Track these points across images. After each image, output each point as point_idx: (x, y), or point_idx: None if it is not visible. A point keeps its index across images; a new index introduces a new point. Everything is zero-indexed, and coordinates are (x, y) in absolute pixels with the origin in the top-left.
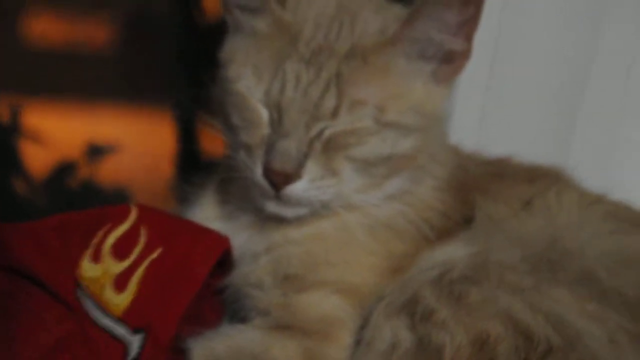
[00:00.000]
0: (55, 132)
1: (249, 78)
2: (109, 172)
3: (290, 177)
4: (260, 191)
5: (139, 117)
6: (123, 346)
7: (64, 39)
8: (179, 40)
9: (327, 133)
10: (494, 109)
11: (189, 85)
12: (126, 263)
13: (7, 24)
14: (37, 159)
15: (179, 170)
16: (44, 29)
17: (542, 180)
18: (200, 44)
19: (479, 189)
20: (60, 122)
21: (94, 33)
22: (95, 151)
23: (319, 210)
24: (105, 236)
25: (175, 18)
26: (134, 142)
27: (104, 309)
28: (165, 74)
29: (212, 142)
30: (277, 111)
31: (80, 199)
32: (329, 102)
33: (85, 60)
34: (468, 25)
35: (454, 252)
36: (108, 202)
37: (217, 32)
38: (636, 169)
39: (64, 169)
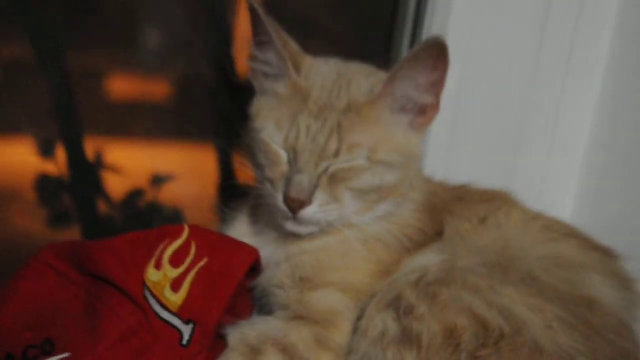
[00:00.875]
0: (129, 166)
1: (271, 129)
2: (167, 196)
3: (304, 204)
4: (281, 214)
5: (190, 154)
6: (179, 334)
7: (135, 94)
8: (220, 96)
9: (331, 169)
10: (456, 148)
11: (228, 131)
12: (181, 270)
13: (95, 83)
14: (115, 186)
15: (220, 196)
16: (122, 86)
17: (494, 202)
18: (235, 100)
19: (446, 209)
20: (132, 158)
21: (157, 89)
22: (158, 180)
23: (325, 228)
24: (164, 249)
25: (217, 79)
26: (187, 174)
27: (164, 306)
28: (210, 122)
29: (245, 175)
30: (293, 153)
31: (146, 217)
32: (332, 146)
33: (151, 110)
34: (437, 86)
35: (429, 259)
36: (167, 220)
37: (248, 91)
38: (563, 193)
39: (135, 194)
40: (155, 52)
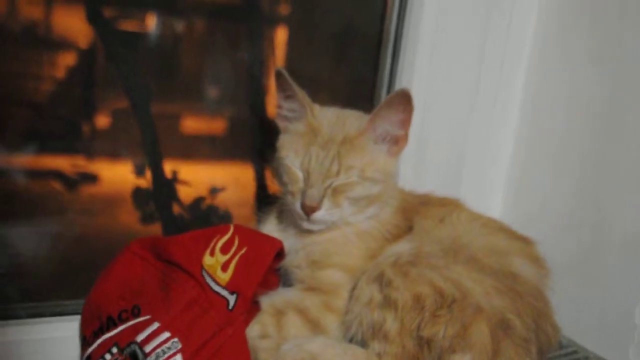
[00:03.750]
0: (194, 180)
1: (292, 157)
2: (221, 202)
3: (315, 209)
4: (299, 216)
5: (236, 172)
6: (226, 301)
7: (200, 130)
8: (256, 131)
9: (334, 184)
10: (420, 168)
11: (262, 157)
12: (228, 256)
13: (172, 123)
14: (185, 195)
15: (257, 203)
16: (190, 125)
17: (448, 206)
18: (266, 134)
19: (415, 211)
20: (197, 175)
21: (214, 126)
22: (214, 190)
23: (330, 226)
24: (216, 242)
25: (254, 120)
26: (234, 186)
27: (216, 282)
28: (249, 150)
29: (273, 188)
30: (307, 174)
31: (206, 216)
32: (334, 168)
33: (210, 141)
34: (405, 122)
35: (402, 247)
36: (220, 218)
37: (274, 127)
38: (493, 199)
39: (198, 200)
40: (213, 101)
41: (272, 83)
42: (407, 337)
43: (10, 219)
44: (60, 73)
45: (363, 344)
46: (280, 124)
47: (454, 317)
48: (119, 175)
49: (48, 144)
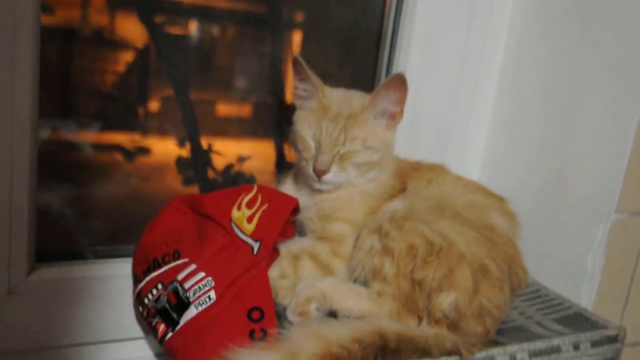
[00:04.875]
0: (225, 151)
1: (306, 129)
2: (246, 168)
3: (325, 172)
4: (311, 178)
5: (260, 146)
6: (251, 248)
7: (231, 112)
8: (276, 112)
9: (340, 152)
10: (413, 139)
11: (281, 129)
12: (252, 210)
13: (208, 107)
14: (218, 162)
15: (277, 168)
16: (223, 108)
17: (435, 171)
18: (284, 113)
19: (408, 175)
20: (228, 147)
21: (243, 109)
22: (241, 159)
23: (337, 187)
24: (242, 198)
25: (275, 102)
26: (257, 154)
27: (243, 231)
28: (271, 127)
29: (290, 157)
30: (318, 143)
31: (235, 180)
32: (341, 138)
33: (238, 121)
34: (401, 100)
35: (397, 205)
36: (246, 181)
37: (290, 108)
38: (473, 164)
39: (229, 167)
40: (242, 90)
41: (289, 76)
42: (402, 279)
43: (82, 183)
44: (121, 67)
45: (365, 284)
46: (296, 102)
47: (441, 262)
48: (166, 148)
49: (112, 124)
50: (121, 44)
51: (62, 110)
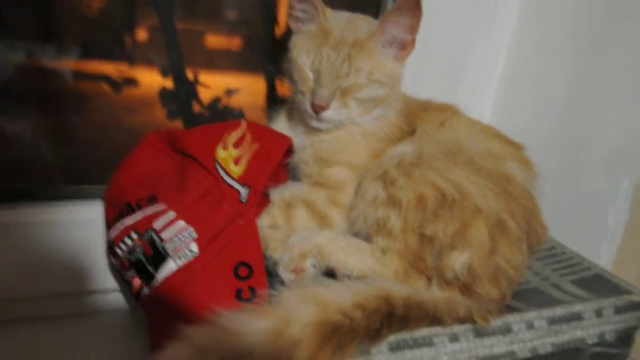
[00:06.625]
0: (213, 83)
1: (303, 56)
2: (235, 102)
3: (324, 108)
4: (308, 115)
5: (249, 77)
6: (238, 193)
7: (220, 44)
8: (268, 39)
9: (342, 85)
10: (420, 74)
11: (272, 60)
12: (240, 150)
13: (196, 37)
14: (205, 95)
15: (267, 102)
16: (211, 40)
17: (447, 112)
18: (275, 45)
19: (416, 116)
20: (215, 80)
21: (232, 42)
22: (229, 92)
23: (338, 125)
24: (229, 136)
25: (266, 33)
26: (247, 88)
27: (229, 174)
28: (261, 56)
29: (281, 90)
30: (317, 74)
31: (222, 114)
32: (344, 69)
33: (227, 53)
34: (414, 28)
35: (405, 149)
36: (234, 116)
37: (286, 34)
38: (484, 107)
39: (216, 100)
40: (231, 21)
41: (282, 8)
42: (410, 234)
43: (57, 114)
44: None
45: (367, 238)
46: (293, 25)
47: (454, 216)
48: (153, 80)
49: (97, 52)
50: None
51: (41, 34)
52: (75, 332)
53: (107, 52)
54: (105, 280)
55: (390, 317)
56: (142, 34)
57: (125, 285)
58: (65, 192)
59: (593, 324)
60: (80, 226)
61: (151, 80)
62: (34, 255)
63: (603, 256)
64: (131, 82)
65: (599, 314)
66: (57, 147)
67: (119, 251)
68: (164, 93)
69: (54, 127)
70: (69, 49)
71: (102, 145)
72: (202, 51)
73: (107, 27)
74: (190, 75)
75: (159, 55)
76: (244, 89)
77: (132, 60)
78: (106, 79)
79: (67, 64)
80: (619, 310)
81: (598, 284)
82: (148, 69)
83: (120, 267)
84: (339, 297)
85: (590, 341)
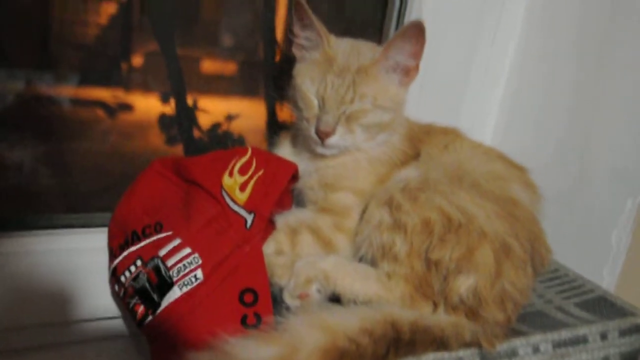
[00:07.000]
0: (213, 109)
1: (308, 84)
2: (235, 127)
3: (329, 134)
4: (313, 141)
5: (250, 102)
6: (244, 220)
7: (217, 70)
8: (270, 66)
9: (347, 111)
10: (424, 100)
11: (273, 85)
12: (246, 177)
13: (194, 64)
14: (204, 121)
15: (269, 129)
16: (209, 65)
17: (450, 135)
18: (275, 70)
19: (420, 140)
20: (215, 105)
21: (229, 67)
22: (230, 117)
23: (342, 151)
24: (235, 163)
25: (268, 55)
26: (248, 114)
27: (235, 201)
28: (260, 84)
29: (283, 113)
30: (322, 100)
31: (222, 140)
32: (349, 95)
33: (226, 79)
34: (418, 54)
35: (410, 173)
36: (235, 142)
37: (286, 59)
38: (485, 130)
39: (216, 126)
40: (228, 46)
41: (280, 28)
42: (415, 259)
43: (57, 140)
44: (103, 20)
45: (373, 263)
46: (297, 53)
47: (460, 240)
48: (149, 105)
49: (94, 78)
50: None
51: (39, 62)
52: None
53: (104, 78)
54: (106, 308)
55: (397, 342)
56: (138, 60)
57: (127, 312)
58: (62, 220)
59: (598, 347)
60: (78, 254)
61: (147, 105)
62: (33, 284)
63: (606, 277)
64: (127, 107)
65: (603, 336)
66: (53, 175)
67: (123, 278)
68: (163, 119)
69: (51, 154)
70: (67, 76)
71: (99, 171)
72: (201, 77)
73: (104, 54)
74: (189, 100)
75: (157, 80)
76: (244, 114)
77: (128, 86)
78: (103, 105)
79: (66, 91)
80: (623, 332)
81: (602, 306)
82: (144, 95)
83: (123, 295)
84: (346, 323)
85: None
